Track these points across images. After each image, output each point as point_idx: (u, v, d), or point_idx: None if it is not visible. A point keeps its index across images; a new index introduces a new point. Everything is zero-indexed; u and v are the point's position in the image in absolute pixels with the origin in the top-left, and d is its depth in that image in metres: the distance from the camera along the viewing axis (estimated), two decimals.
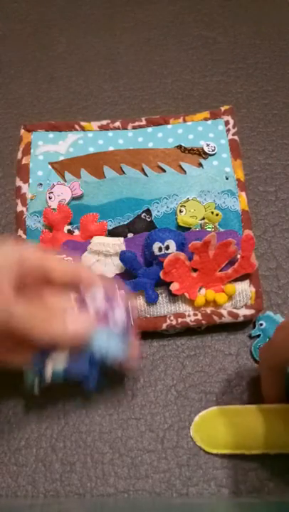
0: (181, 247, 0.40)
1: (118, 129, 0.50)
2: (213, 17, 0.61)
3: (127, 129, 0.50)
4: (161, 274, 0.39)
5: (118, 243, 0.42)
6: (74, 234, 0.44)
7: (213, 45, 0.59)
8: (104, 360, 0.34)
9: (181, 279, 0.40)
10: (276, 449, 0.36)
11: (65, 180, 0.47)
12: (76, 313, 0.34)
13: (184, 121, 0.49)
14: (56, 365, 0.34)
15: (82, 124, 0.50)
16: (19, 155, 0.49)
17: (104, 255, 0.42)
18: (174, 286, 0.39)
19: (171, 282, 0.40)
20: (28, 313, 0.31)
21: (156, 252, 0.40)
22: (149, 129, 0.49)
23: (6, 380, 0.39)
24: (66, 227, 0.44)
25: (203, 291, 0.41)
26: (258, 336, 0.41)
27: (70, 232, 0.44)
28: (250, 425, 0.36)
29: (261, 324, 0.41)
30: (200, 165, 0.47)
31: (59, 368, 0.34)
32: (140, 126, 0.50)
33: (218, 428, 0.37)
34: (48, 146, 0.49)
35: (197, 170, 0.46)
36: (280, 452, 0.36)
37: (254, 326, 0.42)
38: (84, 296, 0.35)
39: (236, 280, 0.41)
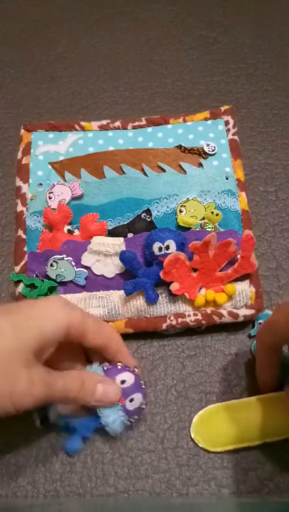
0: (181, 247, 0.40)
1: (118, 129, 0.50)
2: (213, 17, 0.61)
3: (127, 128, 0.49)
4: (161, 274, 0.39)
5: (118, 243, 0.42)
6: (74, 234, 0.44)
7: (213, 45, 0.59)
8: (104, 428, 0.36)
9: (181, 279, 0.40)
10: (276, 437, 0.36)
11: (65, 180, 0.47)
12: (106, 384, 0.35)
13: (184, 121, 0.49)
14: (64, 411, 0.36)
15: (82, 124, 0.50)
16: (19, 155, 0.49)
17: (104, 255, 0.42)
18: (174, 286, 0.39)
19: (171, 282, 0.40)
20: (66, 388, 0.33)
21: (156, 252, 0.40)
22: (149, 129, 0.49)
23: None
24: (66, 227, 0.44)
25: (203, 291, 0.41)
26: None
27: (70, 232, 0.44)
28: (249, 416, 0.37)
29: (260, 324, 0.41)
30: (200, 165, 0.47)
31: (65, 414, 0.36)
32: (140, 126, 0.50)
33: (218, 425, 0.37)
34: (48, 146, 0.49)
35: (197, 170, 0.46)
36: (279, 439, 0.36)
37: (253, 326, 0.42)
38: (116, 370, 0.37)
39: (236, 280, 0.41)
